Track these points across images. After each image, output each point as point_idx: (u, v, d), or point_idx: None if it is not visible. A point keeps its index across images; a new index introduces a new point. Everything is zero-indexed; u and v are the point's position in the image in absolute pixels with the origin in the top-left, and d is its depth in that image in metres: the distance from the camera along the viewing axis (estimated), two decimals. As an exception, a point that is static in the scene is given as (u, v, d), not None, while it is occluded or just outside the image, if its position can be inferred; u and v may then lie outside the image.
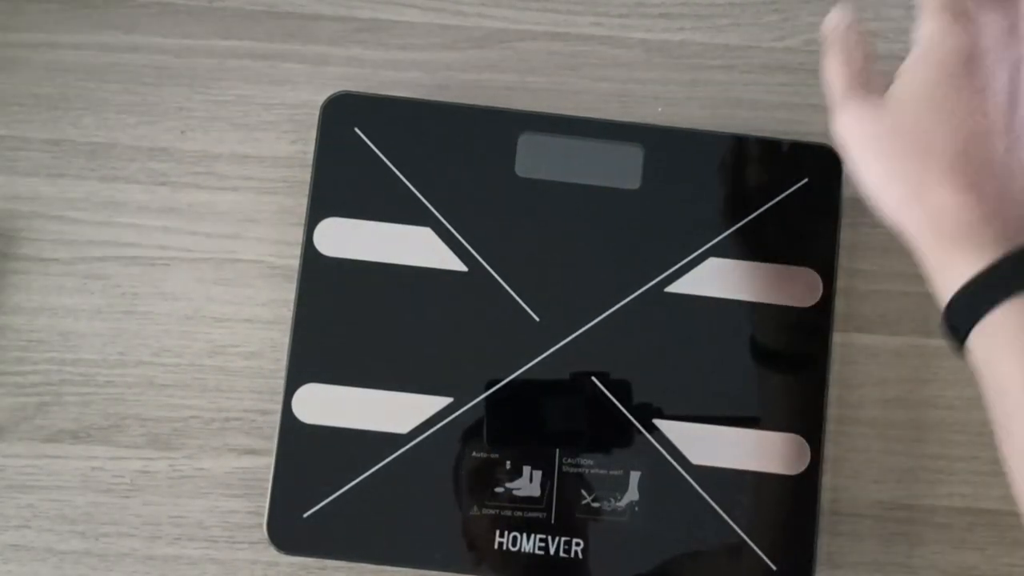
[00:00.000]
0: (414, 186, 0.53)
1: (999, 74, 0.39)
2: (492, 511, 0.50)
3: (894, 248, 0.55)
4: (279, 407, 0.51)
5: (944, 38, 0.39)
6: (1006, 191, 0.38)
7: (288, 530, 0.50)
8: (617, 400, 0.51)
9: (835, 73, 0.42)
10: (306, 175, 0.53)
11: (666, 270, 0.52)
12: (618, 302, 0.51)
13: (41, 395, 0.53)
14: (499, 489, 0.50)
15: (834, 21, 0.42)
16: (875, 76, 0.41)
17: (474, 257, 0.52)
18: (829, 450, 0.52)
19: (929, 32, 0.40)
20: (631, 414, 0.51)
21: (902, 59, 0.56)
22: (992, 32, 0.40)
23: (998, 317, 0.37)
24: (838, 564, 0.52)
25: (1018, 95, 0.39)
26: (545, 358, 0.51)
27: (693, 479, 0.50)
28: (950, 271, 0.38)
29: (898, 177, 0.39)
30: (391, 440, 0.50)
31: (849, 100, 0.41)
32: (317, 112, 0.53)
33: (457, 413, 0.51)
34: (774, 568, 0.50)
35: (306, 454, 0.50)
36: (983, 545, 0.52)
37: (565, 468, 0.50)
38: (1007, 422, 0.38)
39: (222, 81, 0.56)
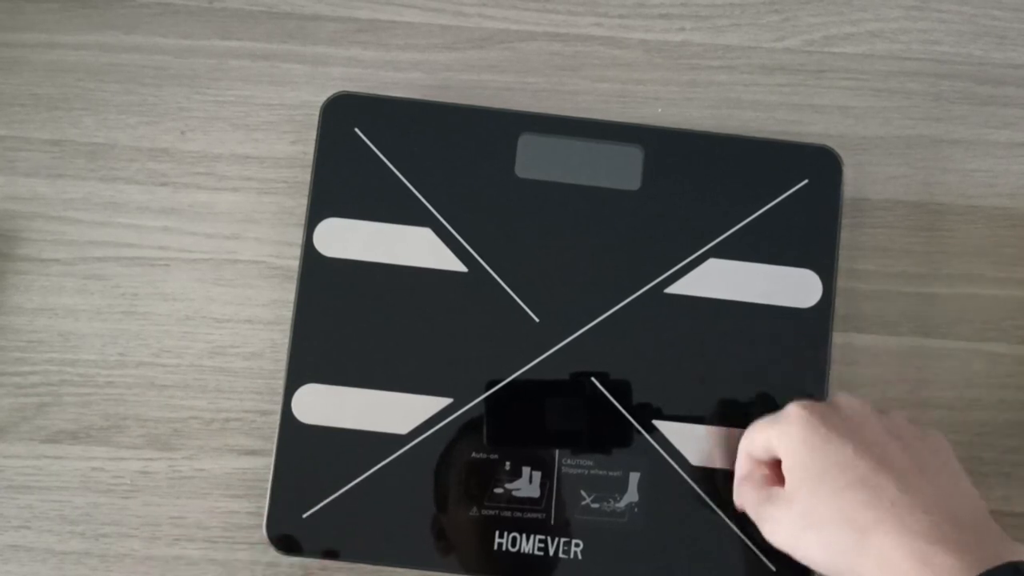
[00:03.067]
0: (414, 186, 0.53)
1: (839, 419, 0.44)
2: (492, 512, 0.50)
3: (894, 248, 0.55)
4: (279, 407, 0.51)
5: (787, 432, 0.44)
6: (934, 508, 0.40)
7: (288, 530, 0.50)
8: (617, 401, 0.51)
9: (745, 500, 0.47)
10: (306, 175, 0.53)
11: (666, 271, 0.52)
12: (618, 303, 0.51)
13: (41, 395, 0.53)
14: (499, 490, 0.50)
15: (737, 500, 0.48)
16: (772, 488, 0.46)
17: (474, 257, 0.52)
18: (829, 451, 0.52)
19: (777, 440, 0.45)
20: (630, 415, 0.51)
21: (903, 59, 0.57)
22: (815, 401, 0.45)
23: None
24: (838, 565, 0.52)
25: (864, 421, 0.44)
26: (545, 359, 0.51)
27: (692, 480, 0.50)
28: None
29: (836, 546, 0.42)
30: (391, 440, 0.50)
31: (763, 510, 0.45)
32: (317, 112, 0.53)
33: (457, 413, 0.51)
34: (773, 569, 0.50)
35: (306, 454, 0.50)
36: (983, 546, 0.52)
37: (564, 469, 0.50)
38: None
39: (222, 81, 0.56)
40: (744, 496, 0.47)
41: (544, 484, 0.50)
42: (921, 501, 0.41)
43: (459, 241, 0.52)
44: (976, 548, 0.39)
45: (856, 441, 0.43)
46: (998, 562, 0.38)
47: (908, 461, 0.42)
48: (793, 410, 0.45)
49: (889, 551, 0.40)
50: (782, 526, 0.44)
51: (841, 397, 0.46)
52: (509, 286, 0.52)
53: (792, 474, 0.44)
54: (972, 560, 0.38)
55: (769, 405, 0.51)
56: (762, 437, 0.46)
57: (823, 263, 0.52)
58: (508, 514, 0.50)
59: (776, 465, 0.46)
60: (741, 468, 0.48)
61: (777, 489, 0.45)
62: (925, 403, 0.54)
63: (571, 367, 0.51)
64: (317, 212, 0.52)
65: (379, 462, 0.50)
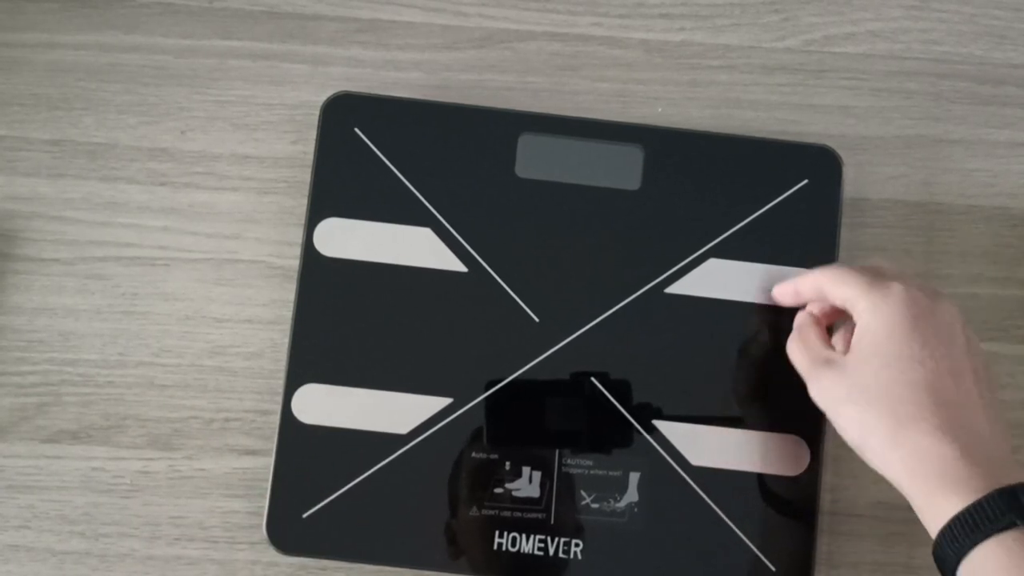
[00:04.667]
0: (414, 186, 0.53)
1: (933, 322, 0.44)
2: (491, 512, 0.50)
3: (894, 248, 0.55)
4: (279, 407, 0.51)
5: (882, 303, 0.45)
6: (971, 428, 0.43)
7: (288, 530, 0.50)
8: (617, 401, 0.51)
9: (798, 356, 0.48)
10: (306, 175, 0.53)
11: (666, 271, 0.52)
12: (618, 303, 0.51)
13: (41, 395, 0.53)
14: (499, 490, 0.50)
15: (779, 293, 0.50)
16: (831, 351, 0.47)
17: (474, 257, 0.52)
18: (829, 450, 0.52)
19: (867, 303, 0.45)
20: (630, 415, 0.51)
21: (903, 59, 0.57)
22: (916, 285, 0.45)
23: (981, 555, 0.40)
24: (837, 564, 0.52)
25: (952, 335, 0.45)
26: (545, 358, 0.51)
27: (692, 480, 0.50)
28: (934, 511, 0.42)
29: (872, 429, 0.44)
30: (391, 440, 0.50)
31: (815, 371, 0.47)
32: (317, 112, 0.53)
33: (457, 413, 0.51)
34: (773, 569, 0.50)
35: (306, 454, 0.50)
36: (983, 545, 0.52)
37: (565, 469, 0.50)
38: None
39: (222, 81, 0.56)
40: (798, 352, 0.48)
41: (544, 484, 0.50)
42: (966, 418, 0.43)
43: (459, 241, 0.52)
44: (997, 469, 0.41)
45: (942, 343, 0.44)
46: (1012, 482, 0.40)
47: (972, 384, 0.44)
48: (896, 288, 0.45)
49: (920, 448, 0.42)
50: (830, 393, 0.46)
51: (946, 303, 0.46)
52: (509, 286, 0.52)
53: (861, 347, 0.45)
54: (989, 475, 0.41)
55: (769, 405, 0.51)
56: (848, 295, 0.46)
57: (823, 263, 0.52)
58: (508, 514, 0.50)
59: (835, 315, 0.47)
60: (801, 318, 0.49)
61: (835, 355, 0.46)
62: (925, 403, 0.54)
63: (571, 367, 0.51)
64: (317, 212, 0.52)
65: (379, 462, 0.50)
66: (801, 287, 0.49)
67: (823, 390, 0.46)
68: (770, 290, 0.51)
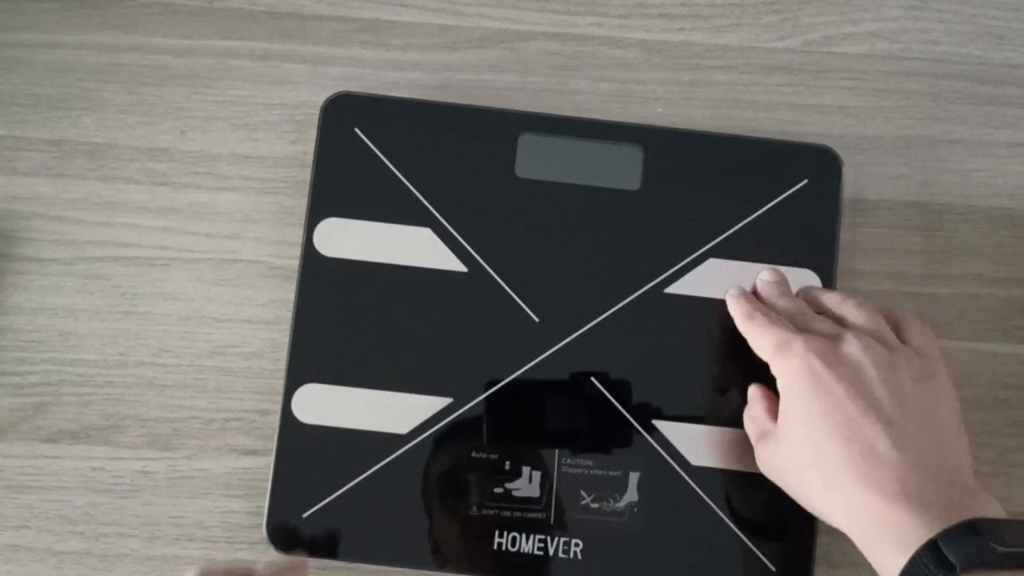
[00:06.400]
0: (414, 186, 0.53)
1: (835, 369, 0.44)
2: (491, 511, 0.50)
3: (894, 248, 0.55)
4: (279, 407, 0.51)
5: (785, 367, 0.45)
6: (897, 466, 0.41)
7: (288, 530, 0.50)
8: (616, 401, 0.51)
9: (748, 431, 0.49)
10: (306, 175, 0.53)
11: (666, 271, 0.52)
12: (618, 303, 0.52)
13: (41, 395, 0.53)
14: (499, 489, 0.50)
15: (750, 393, 0.50)
16: (770, 423, 0.47)
17: (474, 258, 0.52)
18: (829, 450, 0.52)
19: (776, 368, 0.46)
20: (630, 415, 0.51)
21: (902, 59, 0.57)
22: (827, 336, 0.45)
23: None
24: (837, 564, 0.52)
25: (859, 374, 0.44)
26: (545, 358, 0.51)
27: (692, 480, 0.50)
28: (879, 565, 0.41)
29: (810, 491, 0.44)
30: (391, 440, 0.50)
31: (757, 445, 0.48)
32: (317, 112, 0.53)
33: (457, 413, 0.51)
34: (773, 569, 0.50)
35: (306, 454, 0.50)
36: (983, 545, 0.52)
37: (564, 468, 0.50)
38: None
39: (222, 81, 0.56)
40: (748, 427, 0.49)
41: (544, 484, 0.50)
42: (895, 455, 0.42)
43: (459, 241, 0.52)
44: (940, 506, 0.40)
45: (849, 383, 0.43)
46: (959, 520, 0.39)
47: (896, 409, 0.43)
48: (796, 347, 0.45)
49: (854, 503, 0.42)
50: (769, 465, 0.47)
51: (850, 333, 0.45)
52: (509, 286, 0.52)
53: (783, 413, 0.45)
54: (932, 518, 0.39)
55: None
56: (763, 356, 0.47)
57: (823, 263, 0.52)
58: (508, 514, 0.50)
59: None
60: (751, 392, 0.49)
61: (771, 426, 0.47)
62: (925, 403, 0.54)
63: (571, 367, 0.51)
64: (317, 212, 0.52)
65: (379, 462, 0.50)
66: (749, 393, 0.50)
67: (763, 462, 0.47)
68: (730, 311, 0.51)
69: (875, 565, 0.41)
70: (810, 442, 0.43)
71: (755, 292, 0.51)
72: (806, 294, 0.51)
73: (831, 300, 0.49)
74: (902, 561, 0.39)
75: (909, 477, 0.41)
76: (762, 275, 0.51)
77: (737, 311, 0.50)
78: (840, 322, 0.47)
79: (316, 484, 0.50)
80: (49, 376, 0.53)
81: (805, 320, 0.48)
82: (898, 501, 0.40)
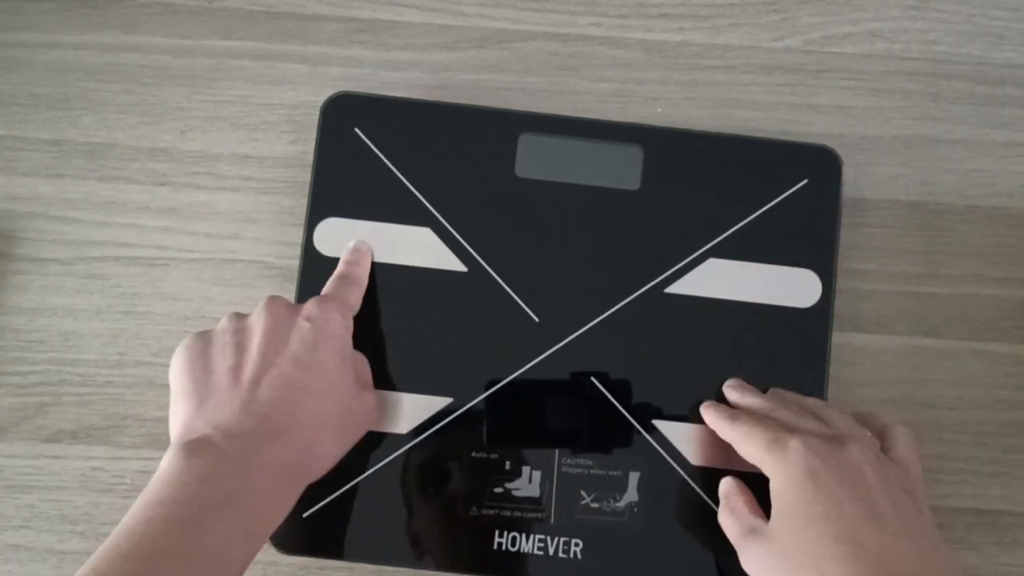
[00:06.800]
0: (414, 186, 0.53)
1: (835, 471, 0.43)
2: (491, 511, 0.50)
3: (894, 248, 0.55)
4: (279, 407, 0.51)
5: (783, 465, 0.44)
6: (898, 570, 0.40)
7: (288, 530, 0.50)
8: (616, 401, 0.51)
9: (728, 526, 0.47)
10: (306, 175, 0.53)
11: (666, 271, 0.52)
12: (618, 303, 0.52)
13: (41, 395, 0.53)
14: (499, 489, 0.50)
15: (724, 487, 0.48)
16: (757, 519, 0.45)
17: (474, 257, 0.52)
18: (828, 450, 0.52)
19: (770, 467, 0.44)
20: (630, 414, 0.51)
21: (902, 59, 0.57)
22: (821, 436, 0.44)
23: None
24: (837, 564, 0.52)
25: (859, 477, 0.43)
26: (545, 358, 0.51)
27: (692, 480, 0.50)
28: None
29: None
30: (391, 440, 0.50)
31: (742, 542, 0.45)
32: (317, 112, 0.53)
33: (457, 413, 0.51)
34: (773, 568, 0.50)
35: (306, 454, 0.50)
36: (982, 545, 0.52)
37: (564, 468, 0.50)
38: None
39: (222, 81, 0.56)
40: (727, 522, 0.47)
41: (544, 484, 0.50)
42: (902, 564, 0.41)
43: (459, 241, 0.52)
44: None
45: (851, 487, 0.42)
46: None
47: (896, 519, 0.42)
48: (794, 445, 0.44)
49: None
50: (758, 564, 0.44)
51: (850, 445, 0.44)
52: (509, 286, 0.52)
53: (776, 512, 0.44)
54: None
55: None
56: (754, 457, 0.45)
57: (822, 263, 0.52)
58: (508, 514, 0.50)
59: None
60: (726, 486, 0.48)
61: (760, 523, 0.45)
62: (924, 403, 0.54)
63: (571, 367, 0.51)
64: (317, 212, 0.52)
65: (379, 462, 0.50)
66: (725, 486, 0.48)
67: (749, 560, 0.45)
68: (770, 292, 0.51)
69: None
70: (813, 543, 0.42)
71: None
72: (780, 395, 0.50)
73: (811, 404, 0.48)
74: None
75: (912, 563, 0.41)
76: (727, 384, 0.50)
77: (717, 418, 0.48)
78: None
79: (316, 484, 0.50)
80: (49, 376, 0.53)
81: (792, 418, 0.46)
82: None
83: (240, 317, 0.47)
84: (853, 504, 0.42)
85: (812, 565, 0.41)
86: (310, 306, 0.47)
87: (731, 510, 0.47)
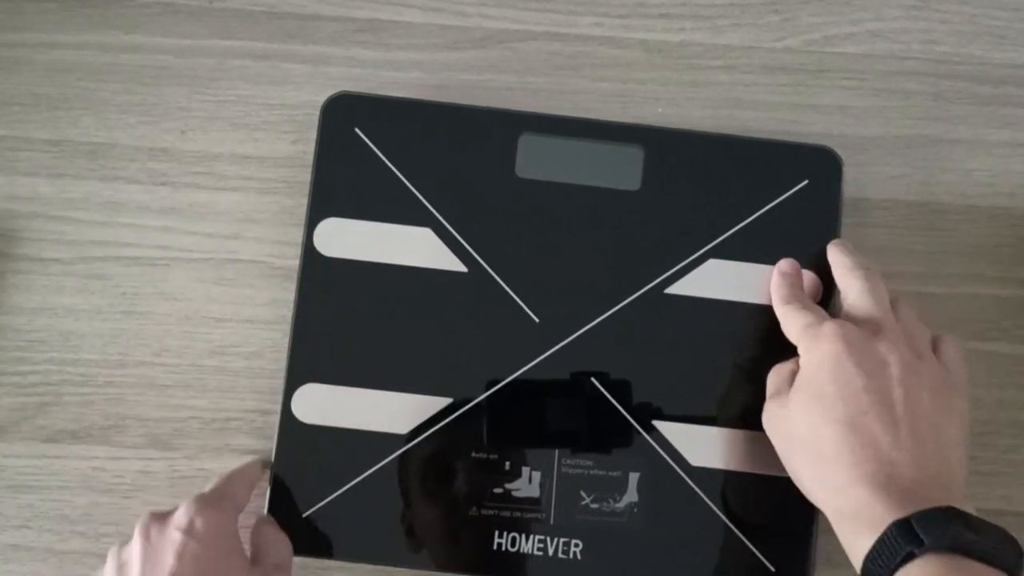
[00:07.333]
0: (414, 186, 0.53)
1: (860, 356, 0.45)
2: (491, 511, 0.50)
3: (894, 248, 0.55)
4: (279, 407, 0.51)
5: (812, 348, 0.46)
6: (896, 463, 0.42)
7: (288, 530, 0.50)
8: (616, 401, 0.51)
9: (769, 378, 0.49)
10: (306, 175, 0.53)
11: (666, 271, 0.52)
12: (618, 303, 0.52)
13: (41, 395, 0.53)
14: (498, 489, 0.50)
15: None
16: (788, 388, 0.47)
17: (474, 258, 0.52)
18: (829, 451, 0.52)
19: (802, 349, 0.47)
20: (630, 415, 0.51)
21: (903, 59, 0.57)
22: (860, 326, 0.46)
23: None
24: (837, 564, 0.52)
25: (882, 367, 0.45)
26: (545, 359, 0.51)
27: (692, 480, 0.50)
28: (854, 552, 0.42)
29: (801, 466, 0.45)
30: (391, 440, 0.50)
31: (769, 401, 0.48)
32: (317, 112, 0.53)
33: (457, 413, 0.51)
34: (772, 570, 0.50)
35: (306, 454, 0.50)
36: (983, 545, 0.52)
37: (564, 469, 0.50)
38: None
39: (222, 81, 0.56)
40: (768, 381, 0.49)
41: (544, 484, 0.50)
42: (893, 455, 0.42)
43: (459, 241, 0.52)
44: (922, 500, 0.40)
45: (868, 376, 0.44)
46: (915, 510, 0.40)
47: (906, 413, 0.43)
48: (827, 328, 0.46)
49: (841, 486, 0.43)
50: (771, 422, 0.47)
51: (886, 330, 0.46)
52: (509, 286, 0.52)
53: (799, 384, 0.46)
54: (911, 509, 0.40)
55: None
56: (791, 335, 0.48)
57: (823, 263, 0.52)
58: (507, 514, 0.50)
59: None
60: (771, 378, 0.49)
61: (787, 388, 0.47)
62: (925, 403, 0.54)
63: (571, 367, 0.51)
64: (317, 212, 0.52)
65: (379, 462, 0.50)
66: (774, 303, 0.51)
67: (767, 417, 0.48)
68: (770, 290, 0.51)
69: (846, 546, 0.42)
70: (817, 419, 0.44)
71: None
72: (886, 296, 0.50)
73: (903, 305, 0.49)
74: (868, 543, 0.40)
75: (901, 477, 0.42)
76: (835, 242, 0.51)
77: (777, 288, 0.50)
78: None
79: (316, 484, 0.50)
80: (50, 376, 0.53)
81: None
82: (883, 493, 0.41)
83: (122, 549, 0.45)
84: (867, 393, 0.43)
85: (812, 439, 0.44)
86: (182, 514, 0.45)
87: (778, 369, 0.49)
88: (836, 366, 0.44)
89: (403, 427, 0.51)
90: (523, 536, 0.50)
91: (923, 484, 0.42)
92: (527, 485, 0.50)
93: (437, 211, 0.52)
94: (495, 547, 0.50)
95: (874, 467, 0.42)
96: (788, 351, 0.50)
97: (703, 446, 0.50)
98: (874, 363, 0.44)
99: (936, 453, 0.43)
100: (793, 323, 0.48)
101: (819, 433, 0.44)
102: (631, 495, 0.50)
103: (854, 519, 0.42)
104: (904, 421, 0.43)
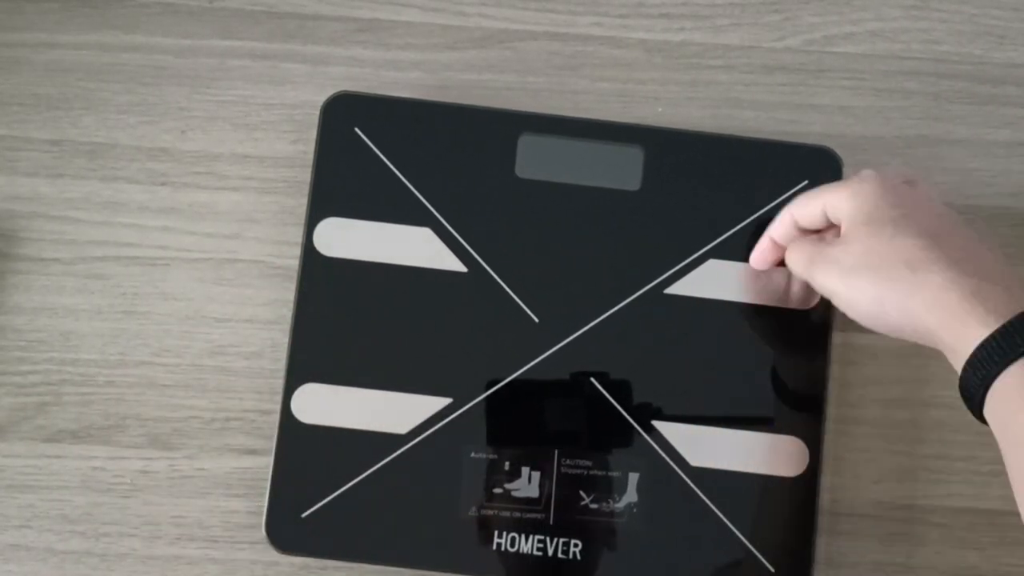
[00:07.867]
0: (414, 186, 0.53)
1: (913, 193, 0.46)
2: (491, 512, 0.50)
3: (894, 249, 0.55)
4: (279, 407, 0.51)
5: (857, 192, 0.46)
6: (982, 262, 0.43)
7: (288, 530, 0.50)
8: (616, 401, 0.51)
9: (796, 256, 0.48)
10: (306, 175, 0.53)
11: (666, 271, 0.52)
12: (618, 303, 0.52)
13: (41, 395, 0.53)
14: (498, 490, 0.50)
15: (755, 258, 0.51)
16: (826, 237, 0.47)
17: (474, 258, 0.52)
18: (829, 450, 0.52)
19: (844, 196, 0.46)
20: (630, 415, 0.51)
21: (903, 58, 0.57)
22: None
23: (1006, 380, 0.40)
24: (838, 564, 0.52)
25: (931, 201, 0.46)
26: (544, 359, 0.51)
27: (692, 481, 0.50)
28: (961, 344, 0.41)
29: (887, 286, 0.44)
30: (391, 440, 0.50)
31: (816, 259, 0.46)
32: (317, 112, 0.53)
33: (457, 413, 0.51)
34: (772, 570, 0.50)
35: (305, 454, 0.50)
36: (983, 545, 0.52)
37: (564, 469, 0.50)
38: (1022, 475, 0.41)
39: (222, 81, 0.56)
40: (795, 254, 0.48)
41: (543, 484, 0.50)
42: (975, 255, 0.43)
43: (459, 241, 0.52)
44: (1018, 295, 0.41)
45: (921, 207, 0.45)
46: None
47: (965, 227, 0.45)
48: (868, 172, 0.46)
49: (940, 287, 0.42)
50: (838, 265, 0.45)
51: (924, 183, 0.47)
52: (509, 286, 0.52)
53: (856, 220, 0.45)
54: (1012, 300, 0.41)
55: (769, 406, 0.51)
56: (824, 199, 0.47)
57: (823, 263, 0.52)
58: (507, 514, 0.50)
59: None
60: (785, 234, 0.49)
61: (828, 237, 0.47)
62: (925, 403, 0.54)
63: (571, 367, 0.51)
64: (317, 212, 0.52)
65: (379, 462, 0.50)
66: (773, 233, 0.50)
67: (828, 272, 0.46)
68: (771, 291, 0.51)
69: (953, 347, 0.42)
70: (896, 237, 0.44)
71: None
72: None
73: None
74: (985, 332, 0.40)
75: (990, 271, 0.42)
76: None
77: (777, 217, 0.50)
78: None
79: (316, 484, 0.50)
80: (50, 376, 0.53)
81: None
82: (987, 281, 0.41)
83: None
84: (928, 216, 0.44)
85: (897, 256, 0.43)
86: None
87: (796, 246, 0.48)
88: (896, 195, 0.45)
89: (403, 427, 0.51)
90: (523, 536, 0.50)
91: (1013, 280, 0.42)
92: (527, 485, 0.50)
93: (437, 211, 0.52)
94: (494, 547, 0.50)
95: (969, 263, 0.42)
96: (787, 351, 0.50)
97: (703, 446, 0.50)
98: (925, 199, 0.46)
99: (1006, 261, 0.44)
100: (823, 187, 0.48)
101: (903, 245, 0.43)
102: (631, 495, 0.50)
103: (962, 313, 0.41)
104: (974, 232, 0.44)
